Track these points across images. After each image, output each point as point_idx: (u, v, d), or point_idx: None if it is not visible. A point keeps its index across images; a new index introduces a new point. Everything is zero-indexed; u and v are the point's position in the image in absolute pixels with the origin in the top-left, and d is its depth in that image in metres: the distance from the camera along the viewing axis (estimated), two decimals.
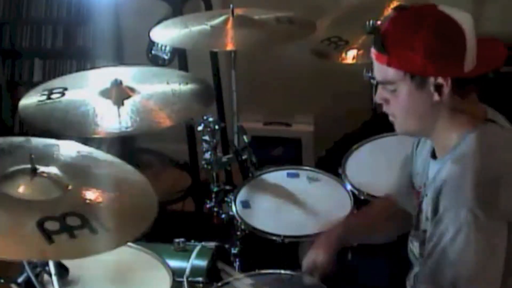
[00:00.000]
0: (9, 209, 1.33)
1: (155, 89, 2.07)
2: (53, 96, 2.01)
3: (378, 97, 1.53)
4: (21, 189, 1.39)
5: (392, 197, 1.87)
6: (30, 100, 2.00)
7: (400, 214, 1.80)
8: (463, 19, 1.41)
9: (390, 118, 1.54)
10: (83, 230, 1.29)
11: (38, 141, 1.59)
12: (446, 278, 1.38)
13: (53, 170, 1.46)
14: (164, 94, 2.05)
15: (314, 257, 1.79)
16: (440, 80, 1.41)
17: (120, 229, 1.37)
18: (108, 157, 1.62)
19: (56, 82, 2.13)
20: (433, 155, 1.55)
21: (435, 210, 1.43)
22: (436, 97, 1.43)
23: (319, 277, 1.77)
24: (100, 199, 1.41)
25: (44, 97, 2.00)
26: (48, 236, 1.26)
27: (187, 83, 2.12)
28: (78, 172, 1.50)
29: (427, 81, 1.42)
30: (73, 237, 1.28)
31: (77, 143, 1.64)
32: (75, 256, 1.33)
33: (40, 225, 1.28)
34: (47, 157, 1.52)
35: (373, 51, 1.49)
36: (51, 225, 1.28)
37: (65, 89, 2.04)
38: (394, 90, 1.47)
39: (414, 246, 1.64)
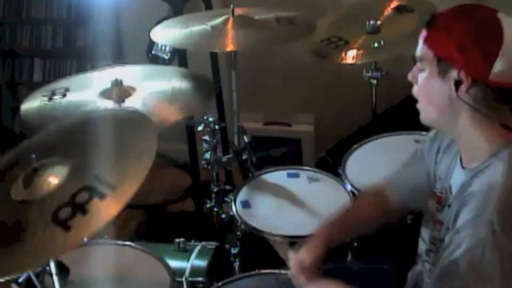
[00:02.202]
0: (24, 215, 1.35)
1: (155, 87, 2.07)
2: (54, 97, 2.01)
3: (410, 74, 1.54)
4: (27, 191, 1.40)
5: (383, 192, 1.85)
6: (32, 104, 2.01)
7: (388, 210, 1.82)
8: None
9: (417, 104, 1.55)
10: (92, 201, 1.32)
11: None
12: None
13: (53, 159, 1.47)
14: (164, 92, 2.06)
15: (300, 258, 1.77)
16: (461, 75, 1.41)
17: (124, 181, 1.38)
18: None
19: (59, 84, 2.14)
20: (461, 163, 1.54)
21: (455, 220, 1.42)
22: (453, 91, 1.43)
23: (305, 279, 1.75)
24: (100, 156, 1.44)
25: (46, 99, 2.00)
26: (64, 224, 1.28)
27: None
28: (77, 141, 1.53)
29: (450, 71, 1.42)
30: (85, 212, 1.30)
31: None
32: (93, 230, 1.32)
33: (55, 218, 1.30)
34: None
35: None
36: (64, 213, 1.31)
37: (67, 89, 2.05)
38: (422, 69, 1.49)
39: (429, 257, 1.63)
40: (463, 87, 1.41)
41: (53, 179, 1.42)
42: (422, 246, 1.71)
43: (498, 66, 1.39)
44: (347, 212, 1.97)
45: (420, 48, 1.49)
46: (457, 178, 1.53)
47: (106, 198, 1.33)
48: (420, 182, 1.74)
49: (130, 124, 1.60)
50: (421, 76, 1.50)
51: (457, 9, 1.47)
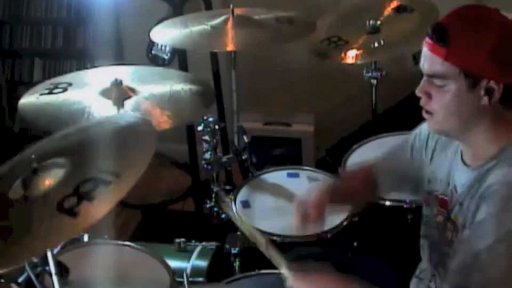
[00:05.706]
0: (29, 211, 1.35)
1: (155, 90, 2.07)
2: (55, 91, 2.01)
3: (420, 90, 1.46)
4: (28, 190, 1.40)
5: (371, 168, 1.84)
6: (31, 98, 2.01)
7: (376, 182, 1.82)
8: None
9: (425, 114, 1.49)
10: (98, 188, 1.33)
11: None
12: (474, 283, 1.33)
13: (53, 160, 1.47)
14: (163, 95, 2.05)
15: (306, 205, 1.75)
16: (492, 84, 1.38)
17: (128, 167, 1.39)
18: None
19: (62, 79, 2.14)
20: (463, 162, 1.51)
21: (475, 213, 1.39)
22: (485, 101, 1.39)
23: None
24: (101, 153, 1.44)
25: (46, 91, 2.00)
26: (70, 212, 1.29)
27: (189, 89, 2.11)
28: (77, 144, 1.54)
29: (479, 83, 1.38)
30: (92, 200, 1.31)
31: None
32: (103, 212, 1.33)
33: (60, 207, 1.30)
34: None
35: (428, 40, 1.41)
36: (69, 202, 1.31)
37: (70, 84, 2.05)
38: (442, 85, 1.41)
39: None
40: (496, 94, 1.39)
41: (54, 176, 1.42)
42: (424, 257, 1.68)
43: None
44: (336, 182, 1.98)
45: (437, 64, 1.40)
46: (462, 177, 1.50)
47: (111, 185, 1.33)
48: (409, 173, 1.73)
49: (129, 126, 1.60)
50: (442, 92, 1.42)
51: (468, 18, 1.42)
